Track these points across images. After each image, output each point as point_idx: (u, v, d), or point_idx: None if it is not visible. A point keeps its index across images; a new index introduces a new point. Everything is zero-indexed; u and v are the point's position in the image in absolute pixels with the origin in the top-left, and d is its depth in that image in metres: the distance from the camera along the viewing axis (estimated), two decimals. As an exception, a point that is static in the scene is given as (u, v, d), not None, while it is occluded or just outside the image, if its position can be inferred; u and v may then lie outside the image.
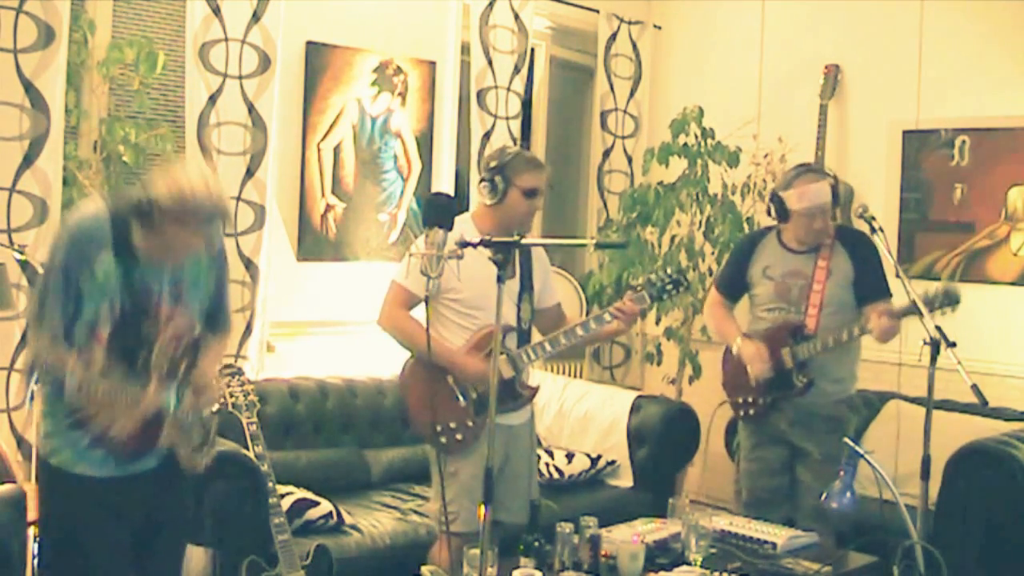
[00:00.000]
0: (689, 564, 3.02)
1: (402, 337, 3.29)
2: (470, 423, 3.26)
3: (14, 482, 3.22)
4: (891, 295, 3.67)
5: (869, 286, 3.67)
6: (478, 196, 3.34)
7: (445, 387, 3.27)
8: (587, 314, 5.24)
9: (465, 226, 3.22)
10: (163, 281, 2.53)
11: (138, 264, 2.48)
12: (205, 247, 2.58)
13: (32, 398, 3.57)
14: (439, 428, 3.25)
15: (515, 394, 3.35)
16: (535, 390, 3.45)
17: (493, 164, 3.28)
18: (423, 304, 3.22)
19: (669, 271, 3.39)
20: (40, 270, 3.36)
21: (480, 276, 3.09)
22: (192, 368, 2.62)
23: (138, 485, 2.58)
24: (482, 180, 3.29)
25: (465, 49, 5.08)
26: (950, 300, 3.33)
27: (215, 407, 2.78)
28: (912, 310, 3.36)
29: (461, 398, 3.27)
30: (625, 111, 5.87)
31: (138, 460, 2.58)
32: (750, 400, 3.81)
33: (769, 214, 3.78)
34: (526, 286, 3.39)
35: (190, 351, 2.63)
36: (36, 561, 3.12)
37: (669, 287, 3.36)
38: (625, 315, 3.29)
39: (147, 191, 2.39)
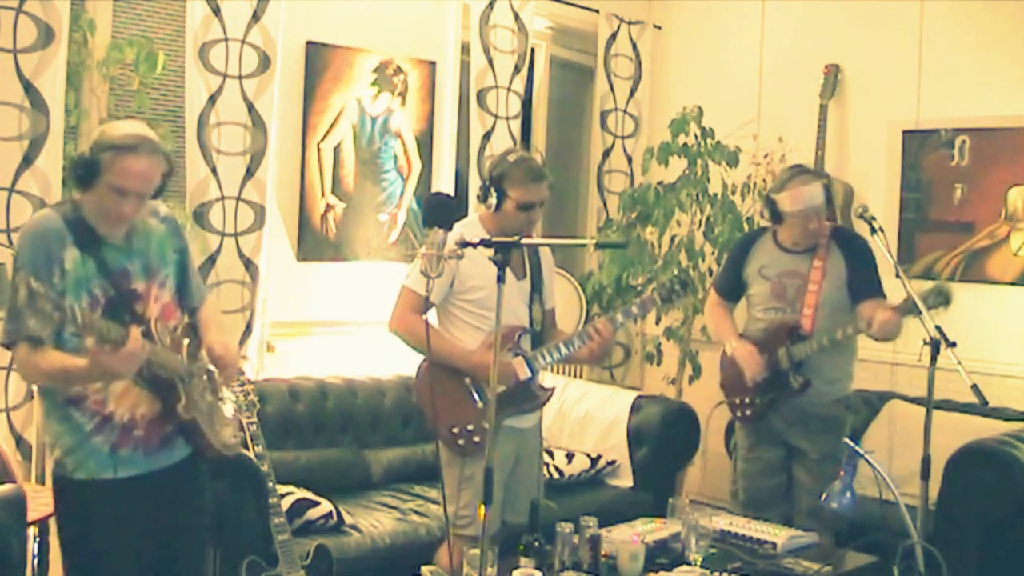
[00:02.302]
0: (689, 564, 3.02)
1: (415, 341, 3.25)
2: (487, 425, 3.24)
3: (14, 482, 3.22)
4: (884, 296, 3.67)
5: (862, 285, 3.68)
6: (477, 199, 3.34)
7: (461, 389, 3.26)
8: (587, 314, 5.25)
9: (473, 227, 3.23)
10: (133, 260, 2.56)
11: (105, 247, 2.50)
12: (152, 207, 2.62)
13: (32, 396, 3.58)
14: (456, 430, 3.22)
15: (532, 396, 3.34)
16: (551, 392, 3.45)
17: (491, 173, 3.26)
18: (435, 307, 3.25)
19: (676, 272, 3.40)
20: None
21: (494, 276, 3.09)
22: (198, 348, 2.65)
23: (164, 482, 2.59)
24: (480, 185, 3.28)
25: (465, 49, 5.08)
26: (942, 299, 3.33)
27: (236, 384, 2.84)
28: (908, 308, 3.37)
29: (478, 399, 3.26)
30: (625, 111, 5.87)
31: (165, 450, 2.59)
32: (747, 401, 3.82)
33: (763, 216, 3.79)
34: (537, 287, 3.39)
35: (189, 332, 2.65)
36: (36, 561, 3.13)
37: (677, 287, 3.40)
38: (600, 338, 3.27)
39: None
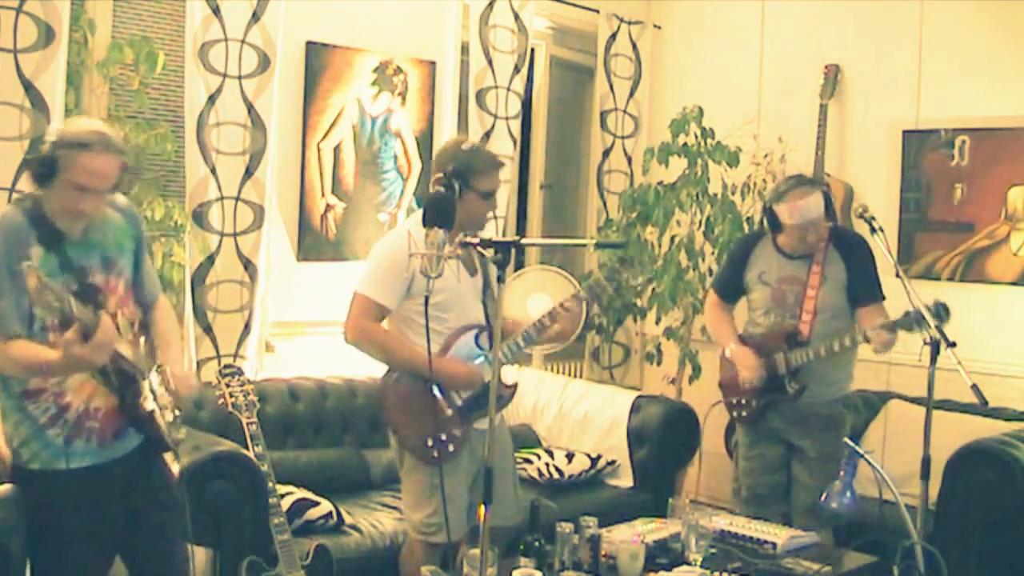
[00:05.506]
0: (689, 564, 3.02)
1: (377, 350, 3.24)
2: (457, 432, 3.24)
3: (14, 482, 3.22)
4: (883, 298, 3.67)
5: (861, 290, 3.68)
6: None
7: (428, 397, 3.20)
8: (587, 314, 5.25)
9: (415, 225, 3.11)
10: (92, 254, 2.60)
11: (67, 244, 2.54)
12: (113, 199, 2.65)
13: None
14: (430, 442, 3.20)
15: (498, 394, 3.32)
16: (514, 387, 3.45)
17: (450, 167, 3.16)
18: (392, 315, 3.23)
19: (606, 272, 3.35)
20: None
21: (449, 276, 3.08)
22: (154, 347, 2.72)
23: (117, 471, 2.65)
24: (437, 181, 3.17)
25: (465, 49, 5.08)
26: (939, 317, 3.30)
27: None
28: (902, 324, 3.37)
29: (446, 405, 3.24)
30: (625, 111, 5.87)
31: (118, 441, 2.64)
32: (743, 402, 3.83)
33: (762, 225, 3.80)
34: (487, 282, 3.38)
35: (143, 330, 2.70)
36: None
37: (606, 283, 3.34)
38: (569, 314, 3.27)
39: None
